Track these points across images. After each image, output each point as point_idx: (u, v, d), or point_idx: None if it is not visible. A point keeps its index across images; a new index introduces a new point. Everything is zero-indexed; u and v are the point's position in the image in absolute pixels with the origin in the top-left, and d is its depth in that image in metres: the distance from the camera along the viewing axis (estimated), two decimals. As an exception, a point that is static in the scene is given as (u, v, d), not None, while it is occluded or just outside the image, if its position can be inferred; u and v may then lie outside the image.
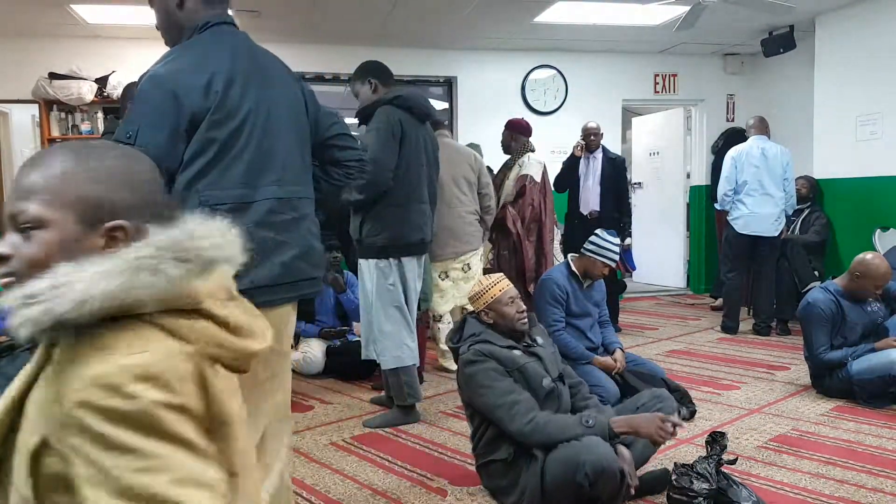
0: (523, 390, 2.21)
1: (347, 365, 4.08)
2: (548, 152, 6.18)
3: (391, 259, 3.11)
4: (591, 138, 5.14)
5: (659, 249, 7.73)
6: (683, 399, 3.18)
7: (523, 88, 6.76)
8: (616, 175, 5.20)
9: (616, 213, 5.13)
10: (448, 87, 6.87)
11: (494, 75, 6.70)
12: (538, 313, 3.50)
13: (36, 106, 5.67)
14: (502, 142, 4.59)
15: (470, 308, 2.51)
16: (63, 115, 5.70)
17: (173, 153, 1.56)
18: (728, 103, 7.27)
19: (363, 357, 3.31)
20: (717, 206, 5.52)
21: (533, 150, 4.51)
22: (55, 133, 5.67)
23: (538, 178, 4.36)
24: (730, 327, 5.25)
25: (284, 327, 1.79)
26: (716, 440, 2.29)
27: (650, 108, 7.84)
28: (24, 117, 6.00)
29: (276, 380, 1.77)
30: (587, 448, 2.01)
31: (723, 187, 5.20)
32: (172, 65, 1.60)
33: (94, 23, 5.39)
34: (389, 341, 3.15)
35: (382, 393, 3.59)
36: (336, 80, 6.37)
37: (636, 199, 8.06)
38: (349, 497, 2.48)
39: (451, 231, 3.89)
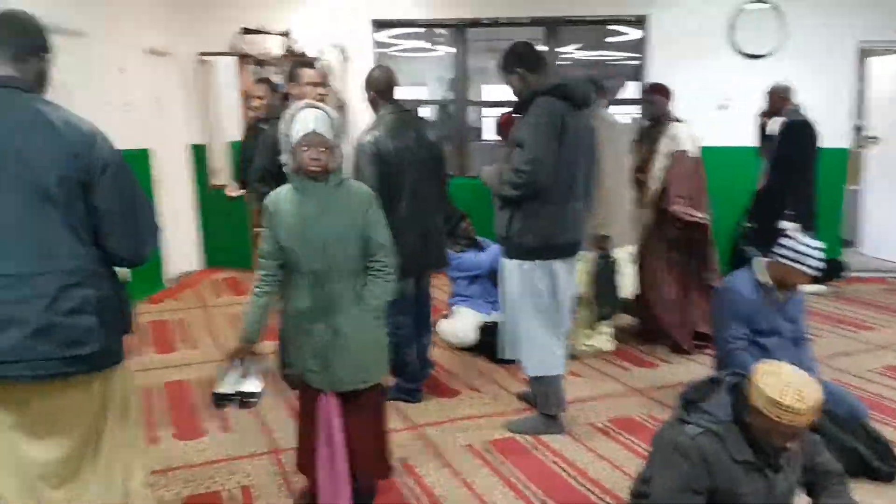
0: None
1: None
2: (755, 108, 5.27)
3: (539, 261, 2.85)
4: (774, 97, 4.69)
5: (894, 216, 6.45)
6: (885, 456, 2.57)
7: (731, 27, 5.80)
8: (787, 142, 4.53)
9: (780, 191, 4.56)
10: (639, 26, 6.11)
11: (696, 11, 5.81)
12: (715, 326, 3.07)
13: (235, 59, 6.01)
14: (656, 108, 4.03)
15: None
16: (257, 67, 6.00)
17: None
18: None
19: (499, 356, 3.22)
20: None
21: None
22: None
23: (696, 154, 3.93)
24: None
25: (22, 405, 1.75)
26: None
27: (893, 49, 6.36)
28: (229, 67, 6.38)
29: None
30: None
31: None
32: None
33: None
34: (534, 347, 2.96)
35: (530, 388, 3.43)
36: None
37: (869, 155, 6.76)
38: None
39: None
